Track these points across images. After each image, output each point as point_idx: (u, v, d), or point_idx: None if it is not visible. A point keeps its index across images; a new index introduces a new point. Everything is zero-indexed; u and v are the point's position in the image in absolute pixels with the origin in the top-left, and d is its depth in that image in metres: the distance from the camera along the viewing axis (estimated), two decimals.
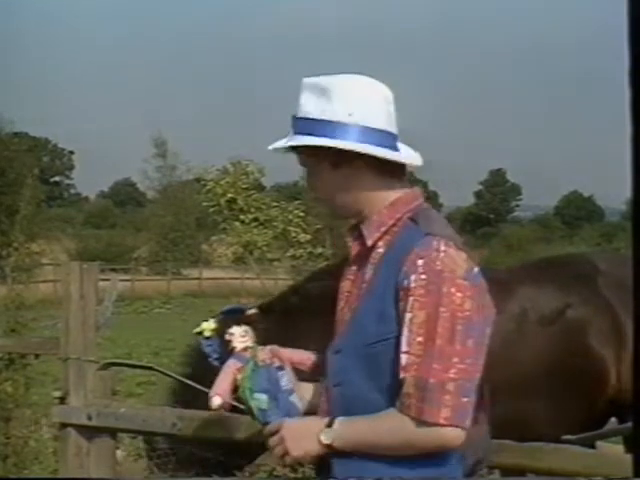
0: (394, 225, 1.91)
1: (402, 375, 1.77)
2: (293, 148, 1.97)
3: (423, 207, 1.95)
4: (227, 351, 2.06)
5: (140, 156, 43.01)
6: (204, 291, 32.55)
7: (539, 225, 78.81)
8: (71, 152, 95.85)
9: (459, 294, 1.77)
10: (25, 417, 5.13)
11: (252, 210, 33.44)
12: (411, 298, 1.77)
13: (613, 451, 3.26)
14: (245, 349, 2.04)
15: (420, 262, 1.79)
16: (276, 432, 1.92)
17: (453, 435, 1.76)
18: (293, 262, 31.81)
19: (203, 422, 3.07)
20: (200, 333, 2.10)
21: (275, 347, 2.08)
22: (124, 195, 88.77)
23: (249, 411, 1.99)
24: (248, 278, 31.86)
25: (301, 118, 1.93)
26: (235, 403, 2.05)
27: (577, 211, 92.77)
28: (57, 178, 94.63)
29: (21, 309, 5.53)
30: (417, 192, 1.97)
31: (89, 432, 3.40)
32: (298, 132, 1.94)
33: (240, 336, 2.06)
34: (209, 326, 2.09)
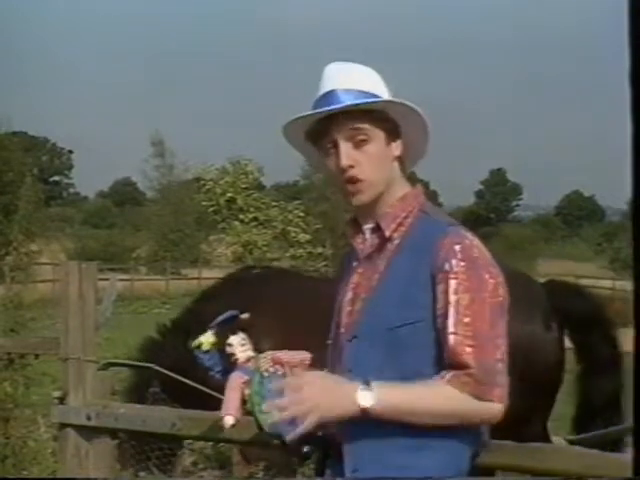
0: (406, 217, 1.99)
1: (454, 355, 1.82)
2: (333, 116, 1.94)
3: (426, 202, 2.05)
4: (230, 363, 2.04)
5: (140, 155, 43.08)
6: None
7: (540, 225, 78.83)
8: (70, 151, 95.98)
9: (492, 280, 1.88)
10: (24, 417, 5.12)
11: (251, 210, 33.51)
12: (454, 281, 1.85)
13: (613, 451, 3.25)
14: (248, 360, 2.02)
15: (457, 247, 1.87)
16: (296, 387, 1.81)
17: (499, 411, 1.86)
18: (293, 262, 31.83)
19: (203, 422, 3.06)
20: (198, 347, 2.06)
21: (275, 353, 2.08)
22: (123, 195, 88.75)
23: (259, 425, 1.96)
24: None
25: (353, 90, 1.95)
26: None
27: (578, 211, 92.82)
28: (56, 177, 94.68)
29: (20, 309, 5.52)
30: (419, 189, 2.07)
31: (88, 432, 3.40)
32: (340, 101, 1.94)
33: (240, 345, 2.04)
34: (208, 340, 2.05)
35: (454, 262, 1.85)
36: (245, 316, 2.10)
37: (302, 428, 1.78)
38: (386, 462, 1.87)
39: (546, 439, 2.83)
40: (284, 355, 2.08)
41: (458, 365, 1.82)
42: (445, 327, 1.84)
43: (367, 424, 1.84)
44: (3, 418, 4.99)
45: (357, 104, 1.93)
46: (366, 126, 1.95)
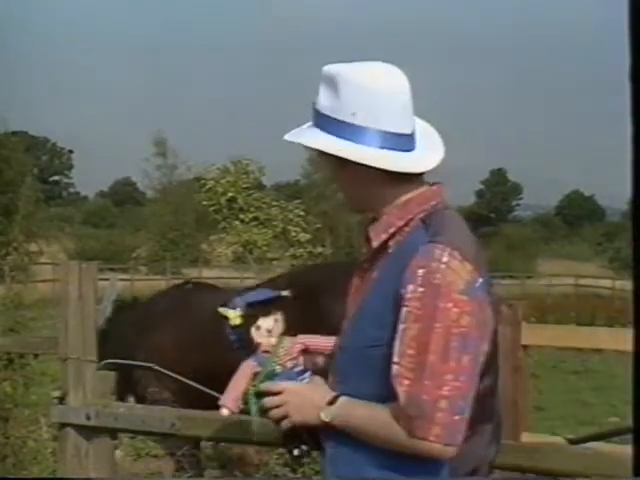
0: (405, 225, 1.84)
1: (394, 386, 1.74)
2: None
3: (438, 208, 1.86)
4: (252, 344, 1.98)
5: (140, 155, 42.95)
6: None
7: (540, 225, 78.81)
8: (70, 151, 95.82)
9: (456, 309, 1.71)
10: (24, 417, 5.12)
11: (252, 209, 33.53)
12: (405, 309, 1.73)
13: (613, 451, 3.26)
14: (267, 351, 1.97)
15: (420, 272, 1.73)
16: (277, 393, 1.91)
17: (441, 451, 1.73)
18: (293, 261, 31.82)
19: (202, 422, 3.06)
20: (226, 318, 1.99)
21: (298, 341, 2.01)
22: (123, 195, 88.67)
23: (248, 412, 1.96)
24: (247, 278, 31.83)
25: (315, 110, 1.88)
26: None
27: (578, 211, 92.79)
28: (56, 177, 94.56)
29: (20, 308, 5.53)
30: (435, 191, 1.89)
31: (88, 432, 3.40)
32: (314, 124, 1.89)
33: (266, 331, 1.97)
34: (234, 319, 1.97)
35: (411, 288, 1.72)
36: (286, 293, 2.02)
37: (279, 428, 1.92)
38: (359, 472, 1.85)
39: None
40: (313, 342, 2.04)
41: (395, 397, 1.74)
42: (391, 356, 1.75)
43: (345, 435, 1.84)
44: (3, 418, 4.99)
45: (296, 141, 1.88)
46: (319, 153, 1.88)
